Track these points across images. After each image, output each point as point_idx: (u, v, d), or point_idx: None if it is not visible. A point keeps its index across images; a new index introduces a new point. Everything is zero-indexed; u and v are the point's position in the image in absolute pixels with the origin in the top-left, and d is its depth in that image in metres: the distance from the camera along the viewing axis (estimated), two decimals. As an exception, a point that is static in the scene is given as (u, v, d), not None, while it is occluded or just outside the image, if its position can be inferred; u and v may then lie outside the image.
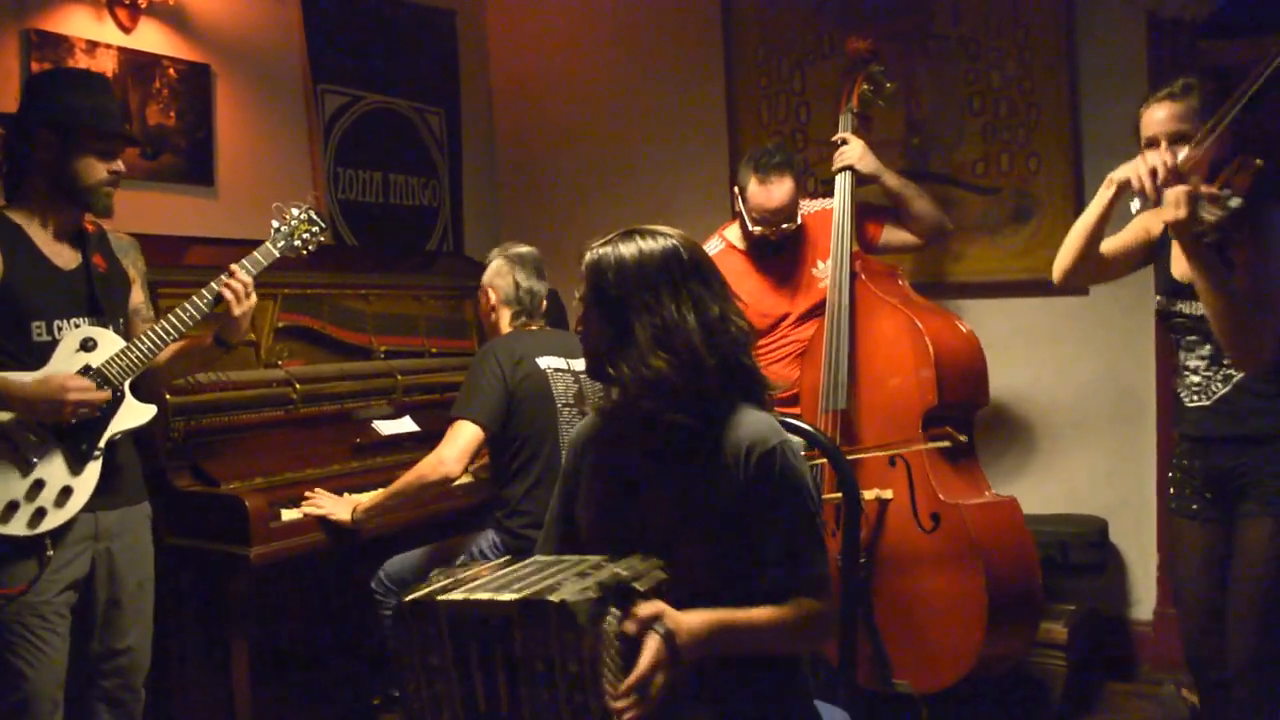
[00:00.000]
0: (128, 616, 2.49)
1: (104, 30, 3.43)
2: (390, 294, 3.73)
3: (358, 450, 3.32)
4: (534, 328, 3.25)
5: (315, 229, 2.74)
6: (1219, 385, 2.33)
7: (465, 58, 4.76)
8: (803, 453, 2.69)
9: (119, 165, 2.45)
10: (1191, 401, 2.39)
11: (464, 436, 2.93)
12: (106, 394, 2.36)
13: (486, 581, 1.67)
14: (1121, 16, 3.61)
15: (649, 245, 1.80)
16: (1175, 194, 2.08)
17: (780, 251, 3.36)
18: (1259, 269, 2.19)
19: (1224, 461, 2.33)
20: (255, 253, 2.64)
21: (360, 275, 3.71)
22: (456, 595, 1.61)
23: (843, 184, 3.26)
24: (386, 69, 4.40)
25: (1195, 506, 2.42)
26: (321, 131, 4.15)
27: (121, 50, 3.47)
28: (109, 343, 2.43)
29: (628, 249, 1.80)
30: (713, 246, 3.43)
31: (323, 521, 2.95)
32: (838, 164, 3.30)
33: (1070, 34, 3.69)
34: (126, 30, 3.49)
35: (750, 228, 3.30)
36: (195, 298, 2.53)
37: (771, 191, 3.23)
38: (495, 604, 1.55)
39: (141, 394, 2.52)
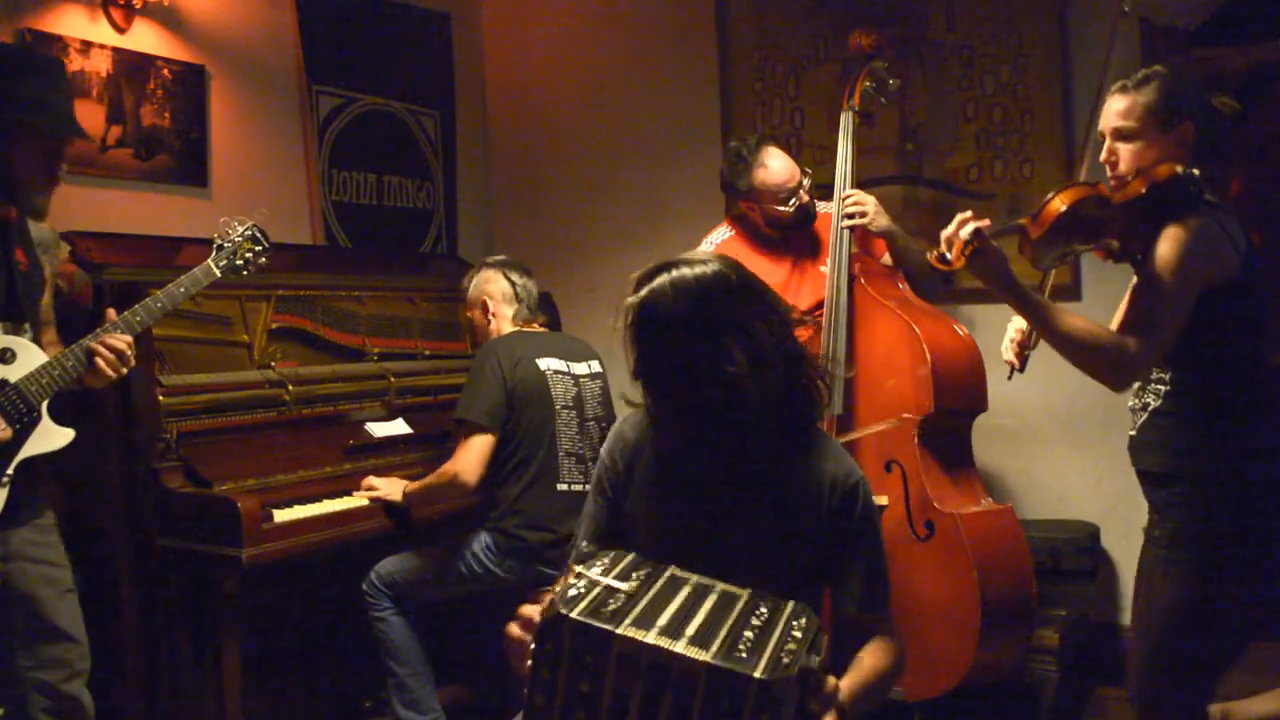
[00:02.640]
0: (58, 626, 2.36)
1: (98, 30, 3.43)
2: (384, 296, 3.73)
3: (350, 452, 3.32)
4: (535, 328, 3.27)
5: (259, 249, 2.62)
6: (1140, 413, 2.19)
7: (460, 60, 4.76)
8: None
9: (62, 166, 2.27)
10: (1129, 429, 2.25)
11: (476, 446, 3.00)
12: (7, 434, 2.17)
13: (643, 612, 1.51)
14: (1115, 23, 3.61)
15: (698, 274, 1.69)
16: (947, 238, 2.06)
17: (804, 227, 3.33)
18: (1143, 284, 2.07)
19: (1146, 495, 2.20)
20: (196, 270, 2.50)
21: (354, 277, 3.70)
22: (633, 633, 1.46)
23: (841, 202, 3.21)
24: (381, 71, 4.40)
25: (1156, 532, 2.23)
26: (316, 133, 4.15)
27: (116, 51, 3.47)
28: (28, 355, 2.23)
29: (681, 282, 1.68)
30: (720, 234, 3.42)
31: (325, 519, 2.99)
32: (846, 220, 3.17)
33: (1064, 41, 3.70)
34: (121, 31, 3.48)
35: (784, 211, 3.24)
36: (70, 352, 2.28)
37: (773, 165, 3.22)
38: (685, 660, 1.43)
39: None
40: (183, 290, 2.46)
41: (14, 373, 2.19)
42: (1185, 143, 2.09)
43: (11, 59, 2.30)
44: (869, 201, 3.19)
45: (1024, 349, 2.47)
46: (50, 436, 2.28)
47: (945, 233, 2.06)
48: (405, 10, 4.51)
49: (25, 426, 2.22)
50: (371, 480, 3.15)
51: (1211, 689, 2.14)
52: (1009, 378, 2.55)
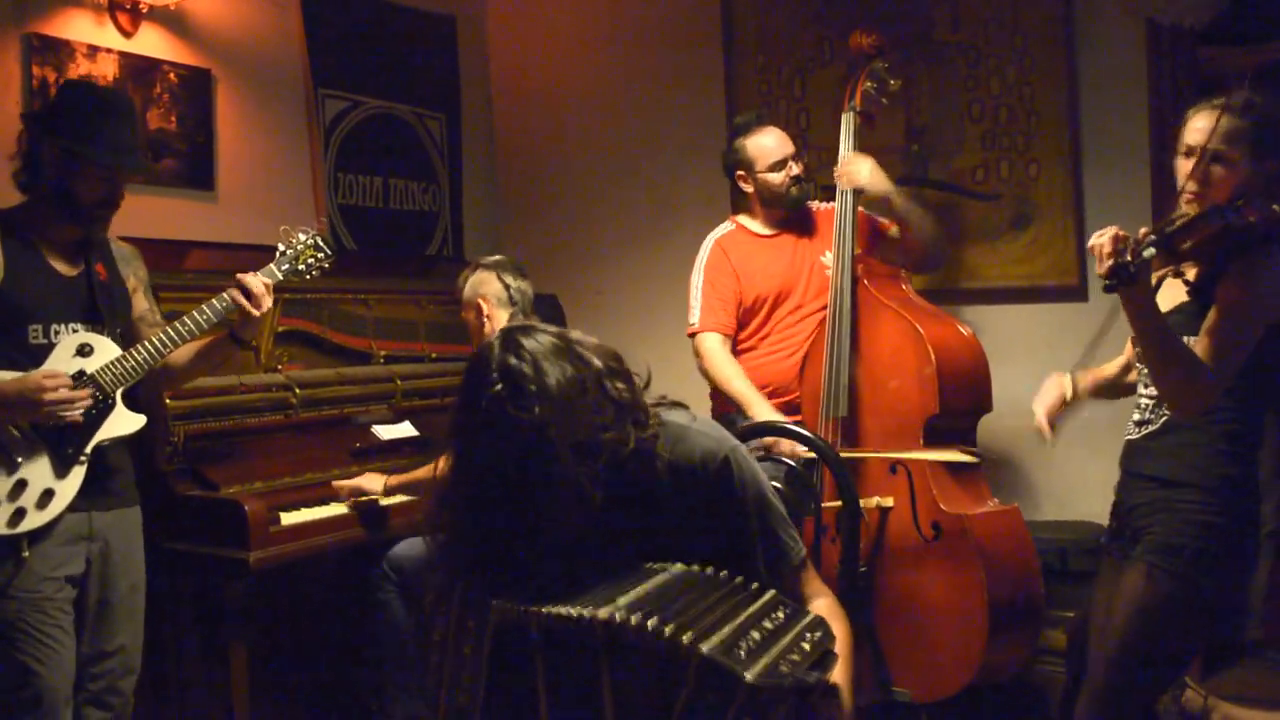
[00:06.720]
0: (119, 619, 2.49)
1: (105, 35, 3.44)
2: (390, 299, 3.74)
3: (357, 455, 3.32)
4: None
5: (321, 255, 2.72)
6: (1155, 422, 2.24)
7: (466, 63, 4.76)
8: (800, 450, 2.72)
9: (120, 194, 2.45)
10: (1129, 432, 2.32)
11: None
12: (84, 393, 2.34)
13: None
14: (1121, 23, 3.61)
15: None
16: (1097, 246, 1.98)
17: (798, 209, 3.35)
18: (1226, 315, 2.08)
19: (1134, 497, 2.28)
20: (259, 271, 2.61)
21: (360, 280, 3.71)
22: (509, 605, 1.48)
23: (845, 204, 3.19)
24: (387, 74, 4.40)
25: (1115, 541, 2.35)
26: (322, 136, 4.15)
27: (122, 55, 3.48)
28: (105, 349, 2.44)
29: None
30: (722, 229, 3.42)
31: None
32: (844, 183, 3.20)
33: (1069, 41, 3.69)
34: (127, 35, 3.49)
35: (775, 181, 3.27)
36: (205, 306, 2.53)
37: (766, 133, 3.29)
38: (676, 645, 1.39)
39: (144, 395, 2.53)
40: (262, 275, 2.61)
41: (92, 364, 2.41)
42: (1267, 177, 2.12)
43: (87, 95, 2.54)
44: (857, 168, 3.19)
45: (1054, 417, 2.53)
46: (124, 421, 2.47)
47: (1110, 251, 1.97)
48: (411, 13, 4.52)
49: (100, 411, 2.41)
50: (343, 483, 3.09)
51: (1174, 680, 2.37)
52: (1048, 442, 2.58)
